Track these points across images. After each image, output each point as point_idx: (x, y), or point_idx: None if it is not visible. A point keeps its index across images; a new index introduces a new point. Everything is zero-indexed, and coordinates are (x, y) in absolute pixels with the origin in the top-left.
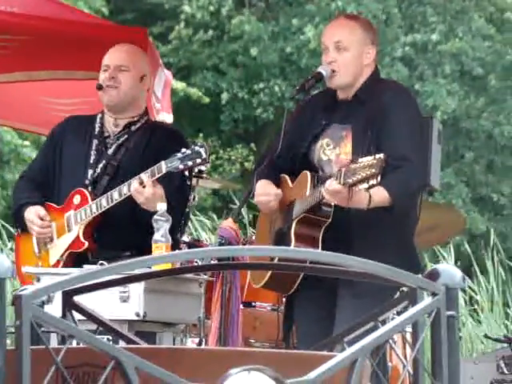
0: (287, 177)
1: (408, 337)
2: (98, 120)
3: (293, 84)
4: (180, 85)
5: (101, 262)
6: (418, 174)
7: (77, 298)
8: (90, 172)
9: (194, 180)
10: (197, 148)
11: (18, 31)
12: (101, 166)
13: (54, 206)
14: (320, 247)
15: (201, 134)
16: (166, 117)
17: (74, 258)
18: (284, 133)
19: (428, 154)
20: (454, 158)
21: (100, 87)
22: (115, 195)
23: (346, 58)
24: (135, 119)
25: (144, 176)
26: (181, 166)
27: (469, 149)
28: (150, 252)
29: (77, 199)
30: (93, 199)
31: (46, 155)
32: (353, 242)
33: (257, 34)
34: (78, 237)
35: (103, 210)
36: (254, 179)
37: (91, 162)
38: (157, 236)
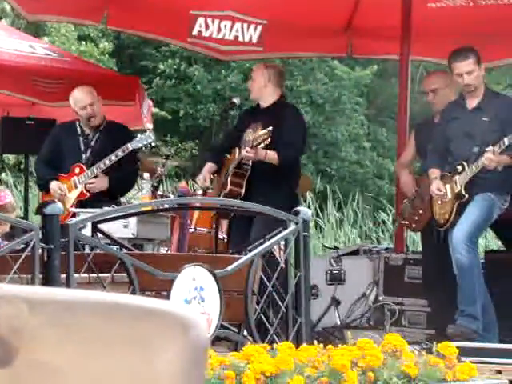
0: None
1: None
2: (77, 125)
3: (219, 107)
4: (155, 110)
5: (112, 205)
6: (296, 151)
7: (100, 226)
8: (83, 155)
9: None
10: (147, 134)
11: (64, 76)
12: (89, 151)
13: (63, 174)
14: (244, 189)
15: (169, 135)
16: (149, 125)
17: (80, 204)
18: (228, 131)
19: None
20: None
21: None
22: (101, 164)
23: (253, 84)
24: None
25: (119, 152)
26: (139, 145)
27: (315, 143)
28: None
29: (77, 169)
30: (87, 169)
31: (51, 145)
32: (259, 186)
33: (202, 77)
34: (82, 191)
35: (95, 174)
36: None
37: (82, 149)
38: (144, 191)
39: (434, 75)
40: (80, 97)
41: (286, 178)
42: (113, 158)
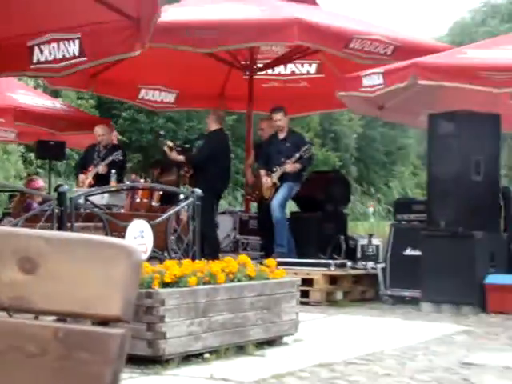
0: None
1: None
2: (97, 145)
3: (153, 136)
4: (119, 137)
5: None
6: (195, 156)
7: (89, 198)
8: (95, 161)
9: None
10: (119, 151)
11: (68, 118)
12: (98, 159)
13: (85, 171)
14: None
15: (126, 151)
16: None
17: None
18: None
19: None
20: None
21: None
22: (100, 167)
23: (208, 121)
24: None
25: (106, 161)
26: (114, 158)
27: None
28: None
29: (90, 168)
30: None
31: (84, 155)
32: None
33: (144, 120)
34: (90, 180)
35: (95, 172)
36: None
37: (95, 158)
38: (112, 179)
39: (266, 121)
40: (96, 130)
41: (202, 175)
42: (103, 164)
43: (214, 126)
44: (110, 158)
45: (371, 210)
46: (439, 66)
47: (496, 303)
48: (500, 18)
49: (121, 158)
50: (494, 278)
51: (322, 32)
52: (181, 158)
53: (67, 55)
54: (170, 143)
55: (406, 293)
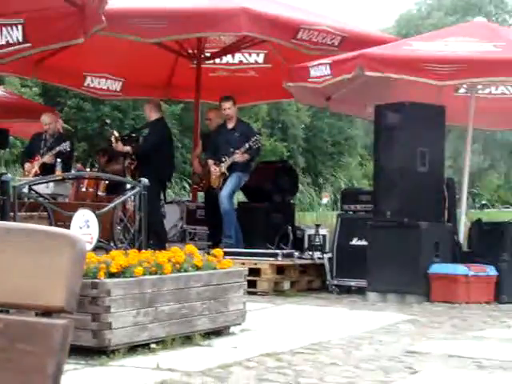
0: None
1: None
2: (44, 133)
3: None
4: (64, 125)
5: (41, 176)
6: (142, 146)
7: (33, 187)
8: (41, 151)
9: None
10: (67, 143)
11: (12, 106)
12: (45, 148)
13: (31, 160)
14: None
15: (84, 142)
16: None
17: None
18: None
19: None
20: None
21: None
22: (45, 157)
23: (145, 110)
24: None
25: (53, 151)
26: (62, 148)
27: None
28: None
29: (37, 157)
30: (40, 158)
31: (30, 143)
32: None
33: (90, 108)
34: (36, 170)
35: (42, 161)
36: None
37: (41, 147)
38: (58, 168)
39: (214, 111)
40: (43, 118)
41: (148, 164)
42: (50, 154)
43: (154, 115)
44: (57, 149)
45: (325, 200)
46: (386, 57)
47: (440, 292)
48: (445, 11)
49: (68, 149)
50: (437, 268)
51: (269, 22)
52: (127, 148)
53: (11, 41)
54: (116, 134)
55: (353, 282)
